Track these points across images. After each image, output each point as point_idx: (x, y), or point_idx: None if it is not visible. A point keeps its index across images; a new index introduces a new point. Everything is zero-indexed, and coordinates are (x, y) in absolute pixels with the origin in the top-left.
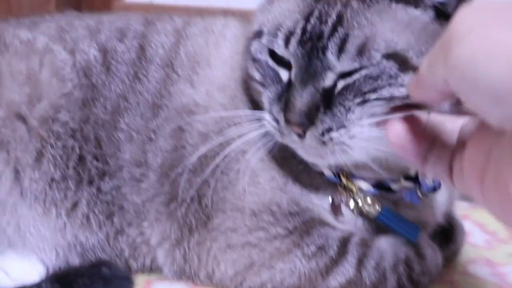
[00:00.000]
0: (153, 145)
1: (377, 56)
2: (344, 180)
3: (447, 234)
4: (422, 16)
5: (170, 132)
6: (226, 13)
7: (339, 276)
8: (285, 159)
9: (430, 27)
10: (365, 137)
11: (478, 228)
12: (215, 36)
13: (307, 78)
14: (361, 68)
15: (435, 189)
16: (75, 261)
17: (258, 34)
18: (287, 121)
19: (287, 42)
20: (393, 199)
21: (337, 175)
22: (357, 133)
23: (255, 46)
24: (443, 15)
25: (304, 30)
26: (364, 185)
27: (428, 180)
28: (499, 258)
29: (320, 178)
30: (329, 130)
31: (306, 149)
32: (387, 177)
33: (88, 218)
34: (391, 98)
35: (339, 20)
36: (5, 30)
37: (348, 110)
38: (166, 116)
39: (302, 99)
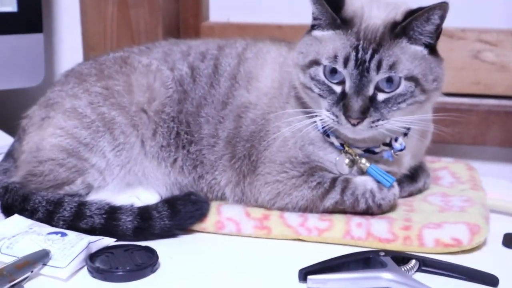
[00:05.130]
0: (222, 125)
1: (401, 74)
2: (346, 147)
3: (414, 177)
4: (422, 51)
5: (232, 118)
6: (281, 27)
7: (330, 199)
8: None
9: (426, 58)
10: (391, 126)
11: (450, 176)
12: (261, 60)
13: (358, 89)
14: (395, 89)
15: (401, 150)
16: (176, 192)
17: (315, 63)
18: (347, 117)
19: (345, 64)
20: (375, 158)
21: (342, 145)
22: (391, 123)
23: (313, 70)
24: (432, 51)
25: (356, 58)
26: (359, 151)
27: (396, 145)
28: (452, 192)
29: (330, 146)
30: (377, 121)
31: (354, 131)
32: (373, 145)
33: (182, 168)
34: (412, 104)
35: (375, 51)
36: (133, 58)
37: (388, 111)
38: (230, 109)
39: (358, 103)
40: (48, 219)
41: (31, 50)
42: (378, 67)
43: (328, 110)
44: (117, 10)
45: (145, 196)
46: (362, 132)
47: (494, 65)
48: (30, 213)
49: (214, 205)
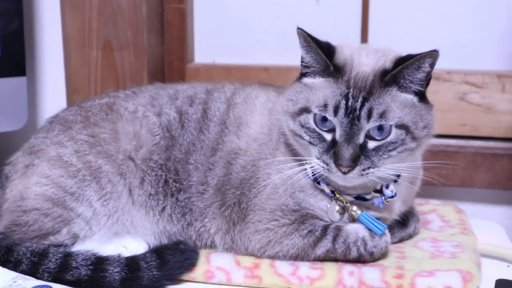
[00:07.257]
0: (211, 172)
1: (392, 122)
2: (337, 194)
3: (405, 222)
4: (412, 98)
5: (222, 165)
6: (267, 69)
7: (322, 247)
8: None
9: (417, 105)
10: (381, 173)
11: (439, 219)
12: (250, 105)
13: (349, 137)
14: (386, 137)
15: (392, 196)
16: (165, 241)
17: (305, 110)
18: (338, 165)
19: (335, 113)
20: (366, 205)
21: (333, 192)
22: (381, 171)
23: (304, 118)
24: (422, 98)
25: (346, 106)
26: (349, 198)
27: (387, 192)
28: (442, 237)
29: (321, 193)
30: (367, 169)
31: (345, 179)
32: (363, 192)
33: (171, 216)
34: (402, 151)
35: (365, 99)
36: (119, 104)
37: (379, 159)
38: (220, 155)
39: (348, 151)
40: (33, 271)
41: (14, 93)
42: (369, 115)
43: (318, 158)
44: (101, 53)
45: (133, 245)
46: (352, 180)
47: (480, 107)
48: (14, 265)
49: (203, 254)
